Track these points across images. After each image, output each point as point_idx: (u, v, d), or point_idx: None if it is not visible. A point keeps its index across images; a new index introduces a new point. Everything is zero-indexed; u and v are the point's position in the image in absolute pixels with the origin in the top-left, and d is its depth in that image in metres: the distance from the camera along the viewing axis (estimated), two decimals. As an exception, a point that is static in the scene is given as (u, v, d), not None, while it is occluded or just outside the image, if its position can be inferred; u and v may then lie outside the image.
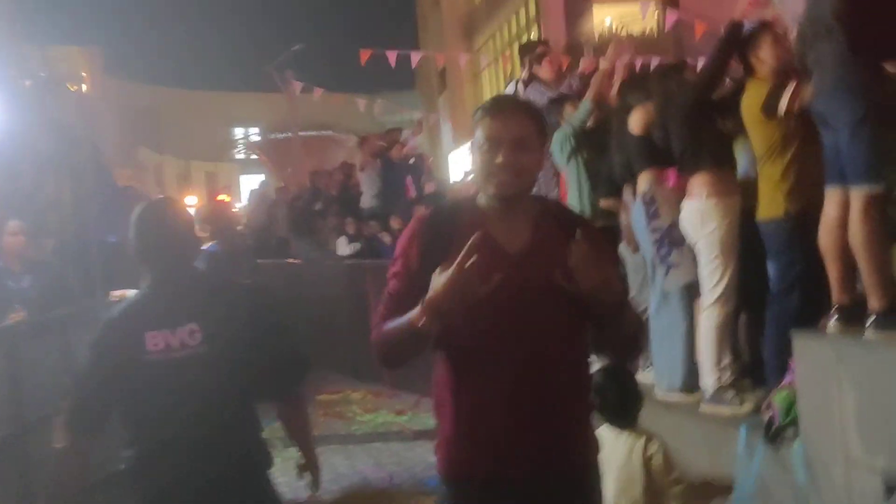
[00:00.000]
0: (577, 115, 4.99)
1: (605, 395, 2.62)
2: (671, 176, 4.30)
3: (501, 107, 1.85)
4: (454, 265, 1.64)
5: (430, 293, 1.67)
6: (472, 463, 1.82)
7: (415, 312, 1.70)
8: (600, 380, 2.64)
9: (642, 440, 2.53)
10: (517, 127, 1.79)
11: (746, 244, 3.80)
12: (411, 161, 9.31)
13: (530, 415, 1.78)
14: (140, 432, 2.24)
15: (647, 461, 2.50)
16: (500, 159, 1.76)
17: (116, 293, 4.71)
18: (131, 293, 3.78)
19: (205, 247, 5.44)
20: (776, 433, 3.35)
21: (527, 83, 5.89)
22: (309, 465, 2.53)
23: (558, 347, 1.81)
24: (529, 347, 1.77)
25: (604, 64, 4.92)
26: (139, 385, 2.20)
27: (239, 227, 10.12)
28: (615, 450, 2.57)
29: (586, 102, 4.92)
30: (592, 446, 1.94)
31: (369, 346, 1.90)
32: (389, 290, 1.87)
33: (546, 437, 1.79)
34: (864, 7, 2.84)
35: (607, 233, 4.86)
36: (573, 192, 5.09)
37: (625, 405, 2.61)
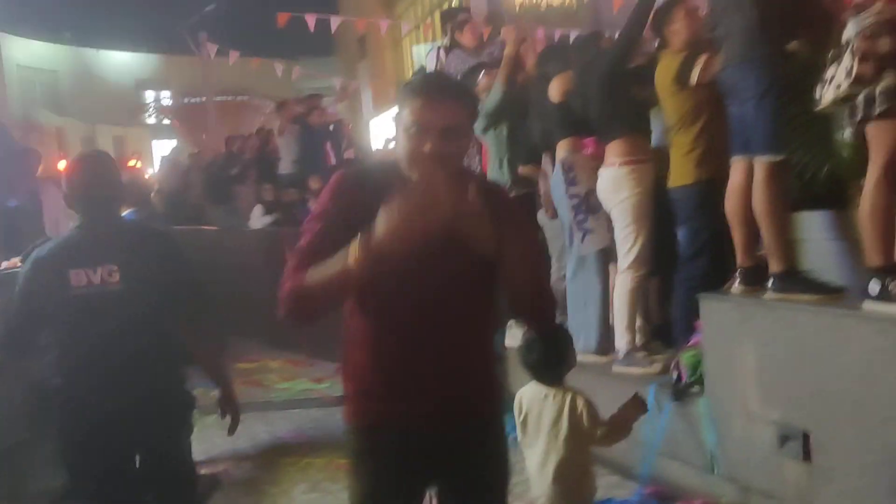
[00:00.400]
0: (489, 99, 5.02)
1: (535, 351, 2.70)
2: (589, 144, 4.40)
3: (432, 90, 1.74)
4: (400, 205, 1.59)
5: (374, 234, 1.60)
6: (381, 412, 1.84)
7: (347, 255, 1.63)
8: (532, 337, 2.71)
9: (569, 398, 2.62)
10: (448, 114, 1.71)
11: (658, 211, 3.94)
12: (331, 127, 9.16)
13: (438, 365, 1.81)
14: (64, 358, 2.57)
15: (573, 418, 2.59)
16: (428, 147, 1.70)
17: (7, 264, 4.50)
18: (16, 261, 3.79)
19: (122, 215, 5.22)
20: (683, 391, 3.53)
21: (448, 50, 5.88)
22: (227, 401, 2.81)
23: (469, 305, 1.85)
24: (441, 304, 1.79)
25: (508, 49, 4.94)
26: (63, 315, 2.53)
27: (152, 194, 9.75)
28: (544, 409, 2.64)
29: (497, 87, 4.94)
30: (498, 397, 2.00)
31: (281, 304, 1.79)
32: (305, 244, 1.78)
33: (453, 386, 1.83)
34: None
35: (526, 199, 4.97)
36: (493, 160, 5.15)
37: (554, 362, 2.69)
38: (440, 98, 1.73)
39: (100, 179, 2.61)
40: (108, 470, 2.55)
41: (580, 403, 2.60)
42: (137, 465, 2.66)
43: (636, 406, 2.65)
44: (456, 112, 1.73)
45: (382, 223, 1.60)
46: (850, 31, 2.54)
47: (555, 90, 4.39)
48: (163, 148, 22.17)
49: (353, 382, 1.91)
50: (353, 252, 1.63)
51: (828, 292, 2.98)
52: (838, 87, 2.56)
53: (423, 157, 1.71)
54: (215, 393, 2.86)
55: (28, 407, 3.56)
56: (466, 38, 5.78)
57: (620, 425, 2.62)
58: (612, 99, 3.94)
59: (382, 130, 14.81)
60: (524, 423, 2.72)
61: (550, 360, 2.69)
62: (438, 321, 1.79)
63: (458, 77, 5.53)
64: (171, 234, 2.95)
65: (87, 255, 2.52)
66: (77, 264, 2.50)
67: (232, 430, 2.85)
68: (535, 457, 2.64)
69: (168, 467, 2.68)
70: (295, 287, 1.73)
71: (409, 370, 1.81)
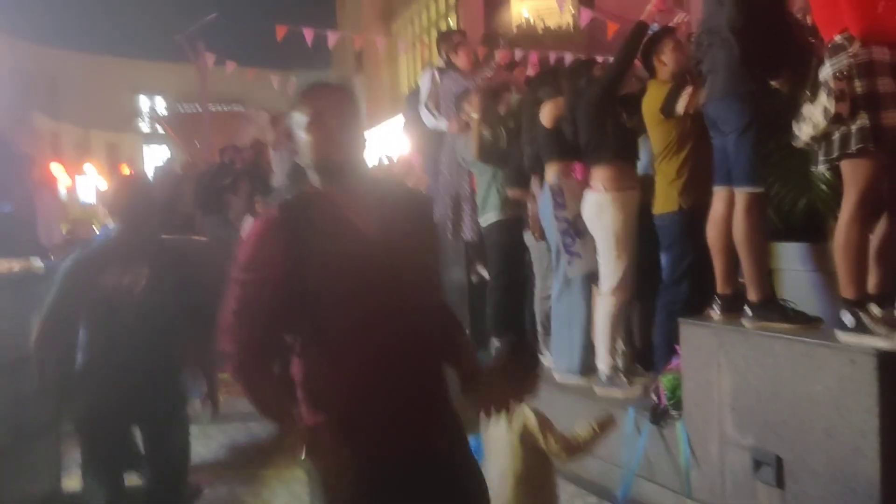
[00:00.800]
0: (466, 149, 5.22)
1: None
2: (578, 169, 4.48)
3: (319, 87, 1.92)
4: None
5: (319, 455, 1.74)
6: (352, 449, 1.79)
7: (291, 433, 1.75)
8: (500, 348, 2.78)
9: (521, 412, 2.68)
10: (338, 102, 1.86)
11: (643, 237, 4.02)
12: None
13: (406, 396, 1.81)
14: (89, 343, 3.02)
15: (524, 432, 2.65)
16: (331, 122, 1.81)
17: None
18: (16, 265, 3.98)
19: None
20: (661, 414, 3.59)
21: (442, 71, 5.98)
22: (211, 393, 3.33)
23: (429, 322, 1.88)
24: (403, 326, 1.80)
25: (474, 115, 5.10)
26: (92, 307, 2.98)
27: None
28: (501, 425, 2.71)
29: (472, 146, 5.13)
30: (461, 424, 1.99)
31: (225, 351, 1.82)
32: (249, 300, 1.79)
33: (421, 418, 1.84)
34: (757, 23, 3.07)
35: (514, 222, 5.05)
36: (481, 184, 5.25)
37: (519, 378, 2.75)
38: (327, 89, 1.89)
39: (140, 199, 3.12)
40: (113, 443, 3.05)
41: (531, 418, 2.65)
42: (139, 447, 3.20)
43: (607, 425, 2.70)
44: (343, 97, 1.88)
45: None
46: (826, 71, 2.63)
47: (546, 115, 4.48)
48: (155, 155, 22.19)
49: (319, 421, 1.84)
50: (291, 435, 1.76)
51: (803, 322, 3.05)
52: (815, 124, 2.65)
53: (330, 133, 1.81)
54: (196, 402, 3.26)
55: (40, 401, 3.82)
56: (461, 60, 5.87)
57: (583, 441, 2.66)
58: (601, 126, 4.03)
59: (376, 146, 14.87)
60: (487, 438, 2.78)
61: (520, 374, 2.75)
62: (402, 349, 1.80)
63: (453, 99, 5.64)
64: (196, 261, 3.39)
65: (120, 260, 2.99)
66: (111, 266, 2.98)
67: (214, 413, 3.37)
68: (495, 471, 2.70)
69: (166, 446, 3.14)
70: (244, 380, 1.83)
71: (378, 405, 1.79)
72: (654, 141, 3.89)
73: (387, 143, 12.03)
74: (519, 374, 2.72)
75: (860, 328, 2.71)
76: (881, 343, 2.63)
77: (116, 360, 2.96)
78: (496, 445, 2.71)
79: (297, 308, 1.79)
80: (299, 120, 1.86)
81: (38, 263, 4.35)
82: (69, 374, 3.05)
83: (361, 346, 1.80)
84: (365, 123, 1.94)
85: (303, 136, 1.85)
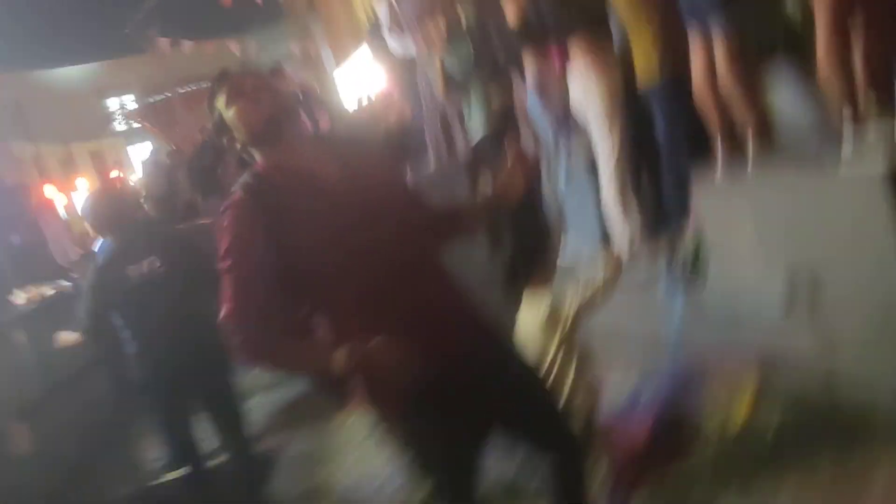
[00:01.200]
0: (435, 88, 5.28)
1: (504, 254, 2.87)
2: (555, 57, 4.40)
3: (224, 71, 1.97)
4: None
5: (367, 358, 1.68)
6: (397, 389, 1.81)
7: (331, 357, 1.72)
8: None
9: (544, 301, 2.76)
10: (247, 71, 2.00)
11: (636, 112, 3.98)
12: (300, 96, 9.10)
13: (433, 318, 1.85)
14: (133, 330, 3.52)
15: (544, 318, 2.73)
16: (248, 85, 1.87)
17: (29, 296, 4.66)
18: (48, 289, 4.19)
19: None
20: (690, 278, 3.64)
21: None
22: None
23: (424, 238, 1.94)
24: (401, 253, 1.83)
25: (436, 62, 5.16)
26: (129, 300, 3.47)
27: (140, 200, 9.78)
28: (528, 315, 2.79)
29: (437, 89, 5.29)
30: (501, 330, 2.06)
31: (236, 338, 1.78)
32: (238, 283, 1.78)
33: (456, 333, 1.89)
34: None
35: (502, 133, 5.03)
36: (465, 103, 5.22)
37: (513, 271, 2.84)
38: (234, 72, 1.96)
39: (116, 209, 3.58)
40: (182, 416, 3.58)
41: (544, 306, 2.72)
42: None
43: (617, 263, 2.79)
44: (253, 71, 2.03)
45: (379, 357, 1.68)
46: None
47: (510, 12, 4.38)
48: (140, 152, 22.06)
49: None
50: (340, 360, 1.71)
51: (807, 157, 3.06)
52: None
53: (254, 102, 1.87)
54: None
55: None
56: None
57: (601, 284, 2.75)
58: (565, 2, 3.94)
59: (349, 80, 14.57)
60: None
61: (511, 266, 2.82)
62: (404, 283, 1.82)
63: (414, 19, 5.54)
64: (189, 234, 3.90)
65: (133, 255, 3.48)
66: (130, 262, 3.46)
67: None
68: None
69: (228, 417, 3.64)
70: (265, 354, 1.82)
71: (404, 330, 1.78)
72: (623, 12, 3.81)
73: (359, 80, 11.81)
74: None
75: (861, 148, 2.71)
76: (884, 160, 2.63)
77: (163, 340, 3.41)
78: (529, 335, 2.79)
79: (294, 276, 1.81)
80: (220, 101, 1.90)
81: (65, 283, 4.49)
82: (123, 369, 3.48)
83: (369, 288, 1.81)
84: (279, 90, 1.96)
85: (229, 113, 1.89)
